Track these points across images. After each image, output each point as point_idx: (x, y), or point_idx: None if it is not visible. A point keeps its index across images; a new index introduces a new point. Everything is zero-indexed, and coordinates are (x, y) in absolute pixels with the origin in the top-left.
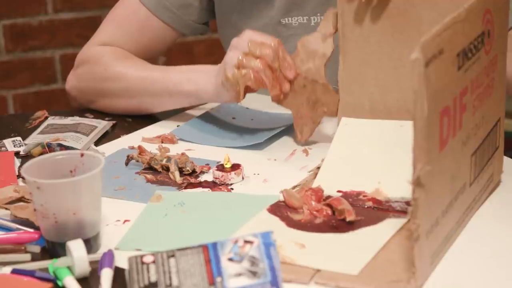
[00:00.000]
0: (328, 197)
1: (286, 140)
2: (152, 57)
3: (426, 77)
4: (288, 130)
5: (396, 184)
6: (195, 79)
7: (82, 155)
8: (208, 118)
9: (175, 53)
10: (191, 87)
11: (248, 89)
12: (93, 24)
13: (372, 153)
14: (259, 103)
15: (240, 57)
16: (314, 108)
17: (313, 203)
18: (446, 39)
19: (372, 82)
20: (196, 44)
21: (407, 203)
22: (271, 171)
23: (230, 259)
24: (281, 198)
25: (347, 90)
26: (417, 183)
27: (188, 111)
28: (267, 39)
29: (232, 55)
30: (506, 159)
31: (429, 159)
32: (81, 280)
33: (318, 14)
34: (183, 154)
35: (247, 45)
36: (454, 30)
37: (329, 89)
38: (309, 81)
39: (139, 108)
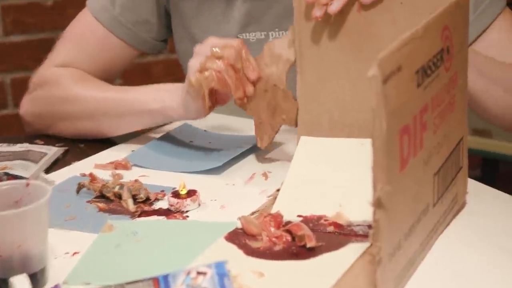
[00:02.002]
0: (288, 222)
1: (245, 164)
2: (111, 77)
3: (384, 95)
4: (247, 153)
5: (357, 207)
6: (161, 97)
7: (27, 184)
8: (164, 142)
9: (132, 74)
10: (157, 105)
11: (213, 94)
12: (45, 47)
13: (332, 173)
14: (218, 125)
15: (202, 60)
16: (274, 114)
17: (272, 229)
18: (404, 55)
19: (330, 100)
20: (153, 65)
21: (370, 226)
22: (229, 197)
23: None
24: (239, 225)
25: (306, 108)
26: (377, 204)
27: (145, 135)
28: (230, 41)
29: (195, 61)
30: (470, 180)
31: (390, 179)
32: None
33: (277, 29)
34: (136, 180)
35: (209, 48)
36: (413, 47)
37: (289, 96)
38: (270, 86)
39: (99, 130)
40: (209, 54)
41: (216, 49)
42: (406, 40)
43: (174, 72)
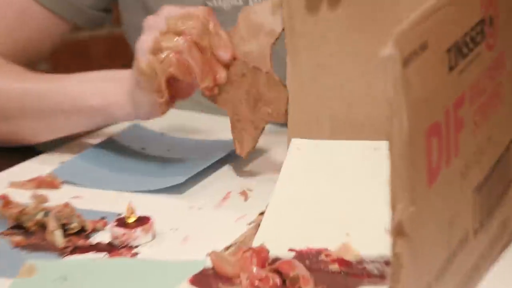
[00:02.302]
0: (276, 259)
1: (216, 179)
2: (34, 58)
3: (404, 82)
4: (219, 164)
5: (370, 236)
6: (102, 90)
7: None
8: (105, 150)
9: (62, 56)
10: (97, 101)
11: (172, 84)
12: None
13: (336, 190)
14: (179, 126)
15: (155, 36)
16: (256, 107)
17: (255, 269)
18: (431, 28)
19: (333, 93)
20: (92, 44)
21: (387, 263)
22: (195, 225)
23: None
24: (209, 264)
25: (299, 102)
26: (398, 231)
27: (78, 141)
28: (193, 9)
29: (146, 39)
30: None
31: (414, 197)
32: None
33: None
34: (67, 204)
35: (165, 21)
36: (442, 17)
37: (275, 81)
38: (249, 69)
39: (15, 135)
40: (164, 29)
41: (174, 22)
42: (433, 7)
43: (120, 54)
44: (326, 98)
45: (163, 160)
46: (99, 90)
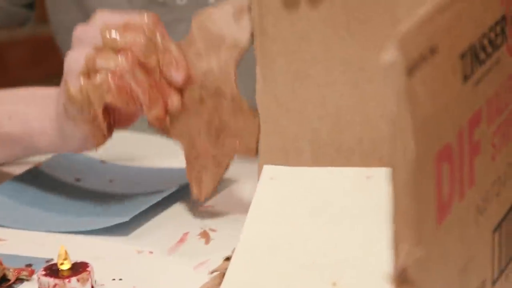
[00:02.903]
0: None
1: (170, 217)
2: None
3: (410, 94)
4: (174, 198)
5: (364, 285)
6: (22, 114)
7: None
8: (30, 181)
9: None
10: (16, 129)
11: (110, 112)
12: None
13: (318, 229)
14: (123, 150)
15: (88, 54)
16: (218, 140)
17: None
18: (441, 29)
19: (316, 111)
20: (10, 48)
21: None
22: (144, 274)
23: None
24: None
25: (273, 125)
26: (401, 279)
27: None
28: (135, 16)
29: (76, 56)
30: None
31: (421, 237)
32: None
33: None
34: None
35: (100, 33)
36: (455, 15)
37: (242, 107)
38: (210, 93)
39: None
40: (99, 44)
41: (112, 34)
42: (444, 3)
43: (43, 60)
44: (307, 115)
45: (104, 194)
46: (18, 113)
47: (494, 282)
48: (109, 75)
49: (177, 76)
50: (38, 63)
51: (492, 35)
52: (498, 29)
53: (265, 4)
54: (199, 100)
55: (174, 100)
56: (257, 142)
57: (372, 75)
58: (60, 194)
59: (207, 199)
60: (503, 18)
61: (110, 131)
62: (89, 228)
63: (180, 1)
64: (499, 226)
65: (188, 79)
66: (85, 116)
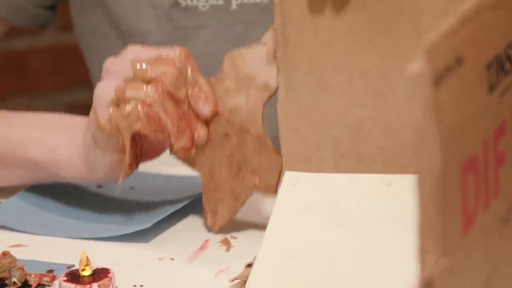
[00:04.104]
0: None
1: (191, 225)
2: None
3: (437, 105)
4: (195, 206)
5: None
6: (50, 140)
7: None
8: (52, 188)
9: None
10: (42, 155)
11: (138, 142)
12: None
13: (340, 236)
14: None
15: (118, 86)
16: (239, 175)
17: None
18: (467, 39)
19: (337, 120)
20: (31, 55)
21: None
22: (165, 281)
23: None
24: None
25: (295, 134)
26: None
27: None
28: (166, 50)
29: (105, 86)
30: None
31: (447, 247)
32: None
33: None
34: (5, 254)
35: (131, 65)
36: (481, 25)
37: (267, 147)
38: (235, 129)
39: None
40: (130, 75)
41: (143, 65)
42: (469, 14)
43: (65, 69)
44: (329, 125)
45: (125, 201)
46: (46, 139)
47: None
48: (139, 104)
49: (205, 109)
50: (60, 71)
51: None
52: None
53: (288, 14)
54: (224, 134)
55: (201, 133)
56: (278, 181)
57: (394, 85)
58: (81, 200)
59: (221, 228)
60: None
61: (136, 162)
62: (110, 235)
63: (202, 7)
64: None
65: (215, 113)
66: (113, 145)
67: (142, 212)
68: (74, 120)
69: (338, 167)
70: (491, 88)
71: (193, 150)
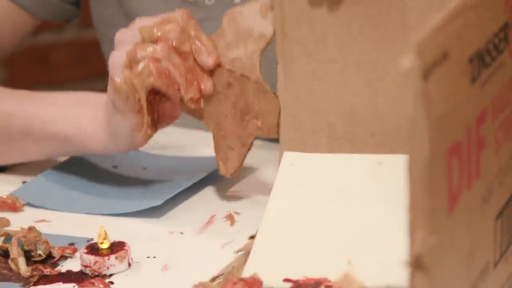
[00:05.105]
0: None
1: (199, 201)
2: None
3: (425, 97)
4: (202, 184)
5: (377, 264)
6: (76, 116)
7: None
8: (72, 168)
9: (22, 63)
10: (68, 129)
11: (154, 107)
12: None
13: (335, 211)
14: (155, 142)
15: (129, 50)
16: (243, 121)
17: None
18: (452, 35)
19: (332, 107)
20: (54, 50)
21: None
22: (175, 252)
23: None
24: None
25: (293, 119)
26: (417, 264)
27: None
28: (168, 15)
29: (118, 53)
30: None
31: (435, 225)
32: None
33: None
34: (31, 229)
35: (139, 30)
36: (464, 22)
37: (265, 91)
38: (236, 78)
39: None
40: (139, 40)
41: (149, 30)
42: (454, 12)
43: (86, 62)
44: (324, 111)
45: (138, 180)
46: (72, 115)
47: (496, 264)
48: (151, 62)
49: (208, 61)
50: (81, 64)
51: (496, 40)
52: (502, 35)
53: (286, 10)
54: (226, 85)
55: (207, 84)
56: (278, 122)
57: (383, 74)
58: (99, 179)
59: (233, 176)
60: (506, 25)
61: (154, 126)
62: (126, 211)
63: (209, 1)
64: (501, 213)
65: (217, 65)
66: (131, 105)
67: (154, 191)
68: (96, 97)
69: (332, 150)
70: (473, 80)
71: (202, 101)
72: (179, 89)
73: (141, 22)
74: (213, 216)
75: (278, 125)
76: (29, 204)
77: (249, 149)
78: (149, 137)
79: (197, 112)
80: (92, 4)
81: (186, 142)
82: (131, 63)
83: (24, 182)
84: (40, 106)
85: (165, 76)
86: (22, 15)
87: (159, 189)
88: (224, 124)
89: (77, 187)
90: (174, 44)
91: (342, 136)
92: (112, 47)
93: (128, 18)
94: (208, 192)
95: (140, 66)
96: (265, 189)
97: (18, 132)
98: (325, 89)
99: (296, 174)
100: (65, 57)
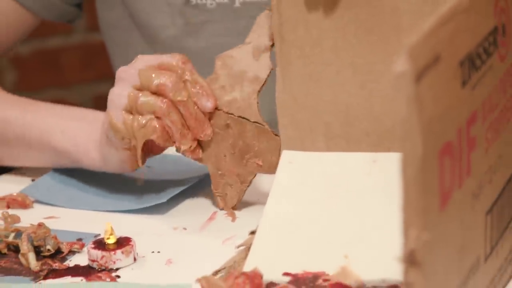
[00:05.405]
0: (271, 284)
1: (201, 198)
2: None
3: (418, 99)
4: (204, 183)
5: (372, 258)
6: (72, 131)
7: None
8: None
9: (32, 66)
10: (65, 143)
11: (146, 144)
12: None
13: (332, 207)
14: None
15: (131, 93)
16: (243, 160)
17: None
18: (444, 39)
19: (328, 107)
20: (63, 52)
21: None
22: (179, 247)
23: None
24: None
25: (291, 119)
26: (410, 260)
27: None
28: (166, 58)
29: (119, 92)
30: None
31: (427, 222)
32: None
33: None
34: (40, 225)
35: (138, 75)
36: (455, 26)
37: (264, 131)
38: (234, 120)
39: None
40: (138, 83)
41: (147, 75)
42: (445, 16)
43: (94, 64)
44: (321, 111)
45: (143, 179)
46: (70, 130)
47: (486, 258)
48: (153, 119)
49: (207, 104)
50: (89, 66)
51: (486, 44)
52: (491, 38)
53: (284, 14)
54: (225, 126)
55: (206, 131)
56: (278, 161)
57: (377, 76)
58: (106, 178)
59: (233, 210)
60: (495, 29)
61: (144, 159)
62: (131, 208)
63: (210, 5)
64: (491, 209)
65: (215, 107)
66: (125, 144)
67: (158, 188)
68: (95, 115)
69: (329, 148)
70: (464, 83)
71: (199, 150)
72: (174, 142)
73: (142, 62)
74: (215, 213)
75: (277, 163)
76: (38, 202)
77: (248, 186)
78: (137, 168)
79: (194, 156)
80: (99, 7)
81: None
82: (132, 108)
83: (33, 180)
84: (39, 116)
85: (166, 133)
86: (24, 15)
87: (163, 187)
88: (222, 163)
89: (84, 184)
90: (171, 96)
91: (338, 135)
92: (118, 49)
93: (132, 21)
94: (210, 190)
95: (144, 120)
96: (265, 187)
97: (14, 138)
98: (321, 90)
99: (294, 171)
100: (73, 59)
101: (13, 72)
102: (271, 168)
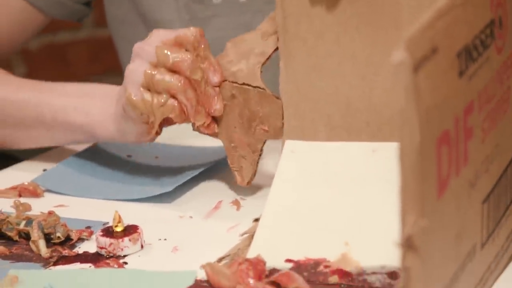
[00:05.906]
0: (273, 271)
1: (207, 188)
2: (5, 50)
3: (416, 89)
4: (210, 172)
5: (372, 245)
6: (86, 106)
7: None
8: (90, 157)
9: (41, 60)
10: (80, 119)
11: (165, 122)
12: None
13: (333, 195)
14: (166, 133)
15: (148, 71)
16: (251, 129)
17: (252, 281)
18: (441, 31)
19: (330, 98)
20: (71, 47)
21: (391, 275)
22: (185, 235)
23: None
24: (203, 277)
25: (294, 110)
26: (408, 245)
27: (61, 147)
28: (183, 33)
29: (136, 68)
30: None
31: (424, 209)
32: None
33: None
34: (51, 213)
35: (155, 51)
36: (452, 19)
37: (267, 95)
38: (238, 88)
39: None
40: (154, 60)
41: (164, 53)
42: (443, 9)
43: (101, 58)
44: (322, 102)
45: (151, 168)
46: (83, 106)
47: (483, 246)
48: (171, 99)
49: (214, 79)
50: (96, 60)
51: (483, 36)
52: (488, 31)
53: (288, 8)
54: (231, 96)
55: (217, 107)
56: (282, 123)
57: (377, 68)
58: (114, 168)
59: (249, 185)
60: (492, 21)
61: (160, 129)
62: (139, 196)
63: (216, 0)
64: (487, 198)
65: (222, 80)
66: (143, 119)
67: (165, 178)
68: (106, 89)
69: (330, 138)
70: (461, 73)
71: (215, 126)
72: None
73: (158, 37)
74: (220, 202)
75: (282, 126)
76: (49, 191)
77: (260, 155)
78: (154, 139)
79: (209, 132)
80: (106, 3)
81: (195, 133)
82: (149, 85)
83: (44, 170)
84: (52, 96)
85: (183, 112)
86: (34, 13)
87: (170, 177)
88: (234, 135)
89: (93, 174)
90: (188, 76)
91: (339, 125)
92: (125, 44)
93: (139, 16)
94: (216, 179)
95: (163, 99)
96: (269, 176)
97: (31, 120)
98: (323, 81)
99: (297, 161)
100: (81, 54)
101: (22, 66)
102: (277, 133)
